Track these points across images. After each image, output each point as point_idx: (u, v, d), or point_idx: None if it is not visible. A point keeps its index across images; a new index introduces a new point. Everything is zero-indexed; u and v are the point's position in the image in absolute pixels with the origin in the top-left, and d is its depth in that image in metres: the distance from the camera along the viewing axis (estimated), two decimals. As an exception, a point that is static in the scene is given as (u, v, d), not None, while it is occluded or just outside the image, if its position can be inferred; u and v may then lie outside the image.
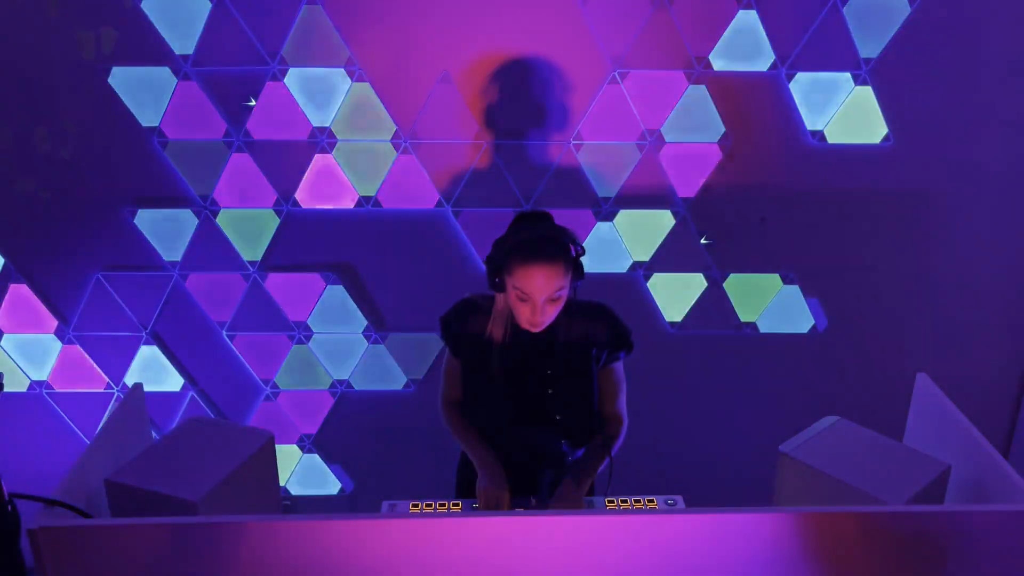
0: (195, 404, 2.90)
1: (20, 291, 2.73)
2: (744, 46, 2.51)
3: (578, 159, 2.62)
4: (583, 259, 1.88)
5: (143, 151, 2.59)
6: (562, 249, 1.79)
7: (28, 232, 2.67)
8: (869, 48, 2.51)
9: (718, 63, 2.52)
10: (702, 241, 2.73)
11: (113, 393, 2.87)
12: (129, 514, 1.69)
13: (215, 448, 1.81)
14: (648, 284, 2.78)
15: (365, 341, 2.83)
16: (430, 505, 1.98)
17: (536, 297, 1.79)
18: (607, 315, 1.98)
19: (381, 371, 2.87)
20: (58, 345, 2.80)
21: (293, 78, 2.52)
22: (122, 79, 2.50)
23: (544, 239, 1.79)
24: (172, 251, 2.71)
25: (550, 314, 1.83)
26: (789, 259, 2.76)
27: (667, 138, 2.60)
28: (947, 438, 1.88)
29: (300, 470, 2.99)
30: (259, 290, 2.76)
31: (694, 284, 2.78)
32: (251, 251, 2.72)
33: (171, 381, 2.87)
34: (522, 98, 2.56)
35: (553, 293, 1.79)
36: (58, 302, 2.76)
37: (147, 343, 2.82)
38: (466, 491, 2.22)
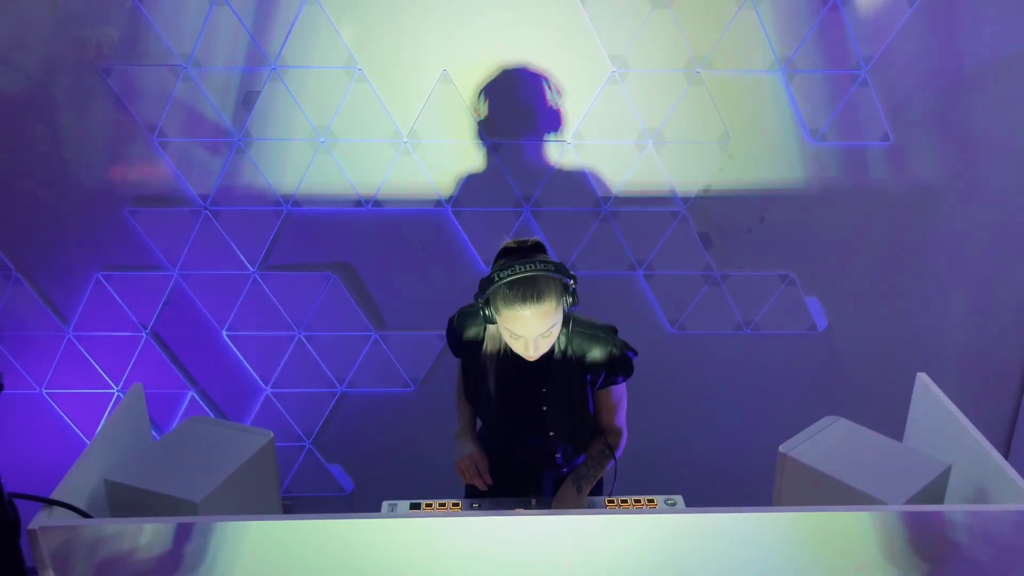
0: (195, 404, 2.90)
1: (20, 291, 2.73)
2: (744, 46, 2.51)
3: (578, 159, 2.62)
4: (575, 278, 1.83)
5: (143, 151, 2.59)
6: (550, 287, 1.73)
7: (28, 232, 2.67)
8: (869, 48, 2.51)
9: (718, 63, 2.52)
10: (702, 241, 2.73)
11: (113, 393, 2.87)
12: (129, 514, 1.69)
13: (215, 448, 1.81)
14: (648, 284, 2.78)
15: (365, 341, 2.83)
16: (430, 505, 1.98)
17: (528, 336, 1.76)
18: (609, 340, 1.92)
19: (381, 371, 2.87)
20: (58, 345, 2.80)
21: (293, 78, 2.52)
22: (122, 79, 2.50)
23: (530, 280, 1.72)
24: (172, 251, 2.71)
25: (544, 346, 1.80)
26: (789, 259, 2.76)
27: (667, 138, 2.60)
28: (947, 438, 1.88)
29: (300, 470, 2.99)
30: (259, 290, 2.76)
31: (694, 284, 2.79)
32: (251, 251, 2.72)
33: (171, 381, 2.87)
34: (522, 98, 2.56)
35: (545, 330, 1.76)
36: (58, 302, 2.76)
37: (147, 343, 2.82)
38: (472, 489, 2.23)
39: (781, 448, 1.80)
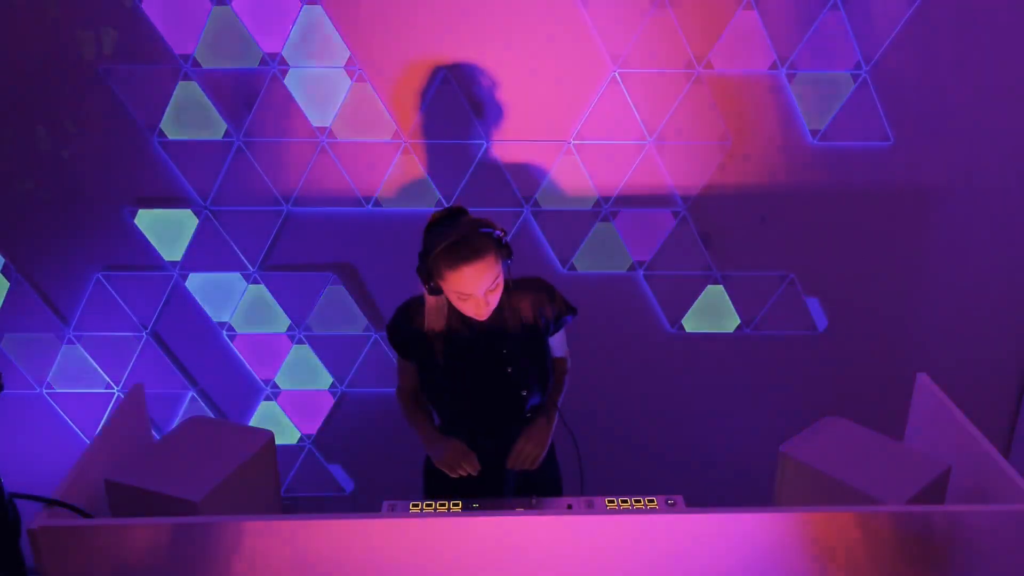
0: (195, 404, 2.90)
1: (20, 291, 2.73)
2: (744, 46, 2.51)
3: (578, 159, 2.62)
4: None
5: (143, 151, 2.59)
6: (485, 242, 1.82)
7: (28, 232, 2.67)
8: (869, 48, 2.51)
9: (718, 63, 2.52)
10: (702, 241, 2.73)
11: (113, 393, 2.87)
12: (129, 514, 1.69)
13: (215, 448, 1.81)
14: (648, 284, 2.78)
15: (365, 341, 2.83)
16: (430, 505, 1.98)
17: (476, 293, 1.83)
18: (546, 287, 2.04)
19: (381, 371, 2.87)
20: (58, 345, 2.80)
21: (293, 78, 2.52)
22: (122, 79, 2.50)
23: (464, 238, 1.80)
24: (172, 251, 2.71)
25: (494, 301, 1.88)
26: (789, 259, 2.76)
27: (667, 138, 2.60)
28: (947, 438, 1.88)
29: (300, 470, 3.00)
30: (259, 290, 2.76)
31: (694, 284, 2.79)
32: (251, 251, 2.72)
33: (171, 381, 2.87)
34: (522, 98, 2.56)
35: (491, 284, 1.84)
36: (58, 302, 2.76)
37: (147, 343, 2.82)
38: (434, 491, 2.21)
39: (781, 448, 1.80)
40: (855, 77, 2.54)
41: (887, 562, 1.56)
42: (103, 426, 1.88)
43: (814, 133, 2.60)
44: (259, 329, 2.81)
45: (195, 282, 2.75)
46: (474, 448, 2.06)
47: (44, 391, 2.87)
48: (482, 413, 2.06)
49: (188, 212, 2.66)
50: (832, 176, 2.65)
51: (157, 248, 2.70)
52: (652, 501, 1.97)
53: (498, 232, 1.85)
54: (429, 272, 1.85)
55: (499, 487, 2.15)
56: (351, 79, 2.52)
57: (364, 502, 3.03)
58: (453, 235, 1.80)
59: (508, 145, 2.60)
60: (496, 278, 1.84)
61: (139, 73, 2.50)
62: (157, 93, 2.52)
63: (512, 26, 2.47)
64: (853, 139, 2.61)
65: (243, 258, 2.72)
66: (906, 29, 2.48)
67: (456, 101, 2.55)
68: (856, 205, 2.69)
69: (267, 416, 2.91)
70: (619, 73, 2.53)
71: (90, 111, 2.54)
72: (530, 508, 1.99)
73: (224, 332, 2.81)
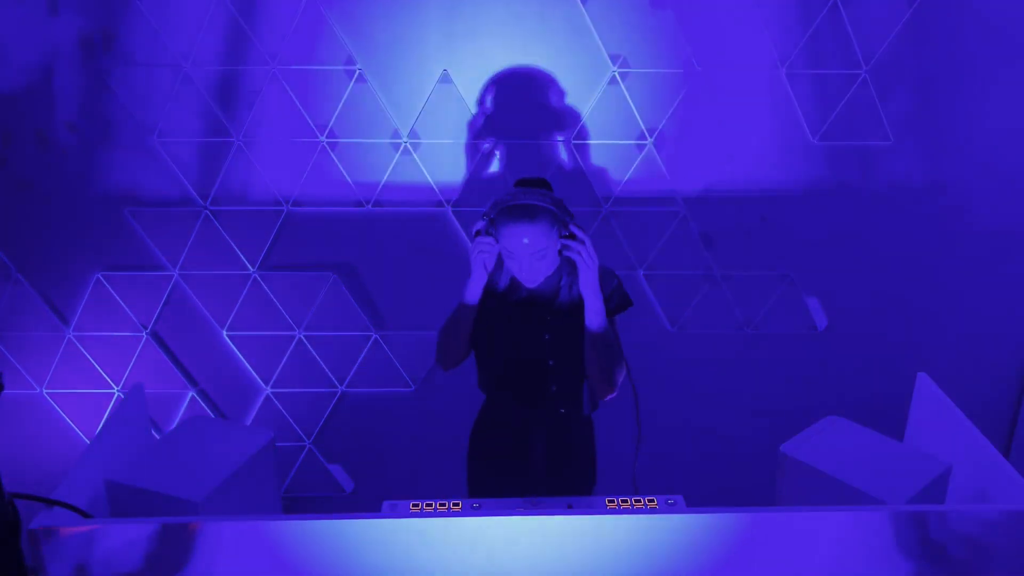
0: (195, 404, 2.90)
1: (20, 291, 2.73)
2: (744, 46, 2.51)
3: (578, 159, 2.62)
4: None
5: (143, 151, 2.59)
6: (544, 212, 1.90)
7: (28, 232, 2.67)
8: (869, 48, 2.51)
9: (718, 63, 2.52)
10: (702, 241, 2.73)
11: (113, 393, 2.87)
12: (129, 514, 1.69)
13: (215, 448, 1.81)
14: (648, 284, 2.78)
15: (365, 341, 2.83)
16: (430, 505, 1.98)
17: (520, 255, 1.91)
18: (609, 277, 2.09)
19: (381, 371, 2.87)
20: (58, 345, 2.80)
21: (293, 78, 2.52)
22: (122, 79, 2.50)
23: (528, 203, 1.91)
24: (172, 251, 2.71)
25: (540, 270, 1.95)
26: (789, 259, 2.76)
27: (667, 138, 2.60)
28: (947, 438, 1.88)
29: (300, 470, 2.99)
30: (259, 290, 2.76)
31: (694, 284, 2.78)
32: (251, 251, 2.72)
33: (171, 381, 2.87)
34: (522, 98, 2.56)
35: (536, 252, 1.91)
36: (58, 302, 2.76)
37: (147, 343, 2.82)
38: (477, 489, 2.24)
39: (781, 448, 1.80)
40: (855, 77, 2.54)
41: (887, 562, 1.56)
42: (103, 426, 1.87)
43: (814, 133, 2.60)
44: (259, 329, 2.81)
45: (195, 282, 2.75)
46: (505, 410, 2.15)
47: (44, 391, 2.87)
48: (510, 370, 2.12)
49: (188, 212, 2.66)
50: (832, 176, 2.65)
51: (157, 248, 2.70)
52: (652, 501, 1.97)
53: (567, 218, 1.93)
54: (491, 224, 1.96)
55: (524, 454, 2.21)
56: (351, 79, 2.52)
57: (364, 502, 3.03)
58: (522, 198, 1.90)
59: (509, 145, 2.60)
60: (544, 250, 1.91)
61: (139, 73, 2.50)
62: (157, 93, 2.52)
63: (512, 26, 2.47)
64: (853, 139, 2.61)
65: (243, 258, 2.72)
66: (906, 29, 2.48)
67: (456, 101, 2.55)
68: (856, 205, 2.69)
69: (267, 416, 2.91)
70: (619, 73, 2.53)
71: (90, 111, 2.54)
72: (530, 508, 1.99)
73: (224, 332, 2.81)
